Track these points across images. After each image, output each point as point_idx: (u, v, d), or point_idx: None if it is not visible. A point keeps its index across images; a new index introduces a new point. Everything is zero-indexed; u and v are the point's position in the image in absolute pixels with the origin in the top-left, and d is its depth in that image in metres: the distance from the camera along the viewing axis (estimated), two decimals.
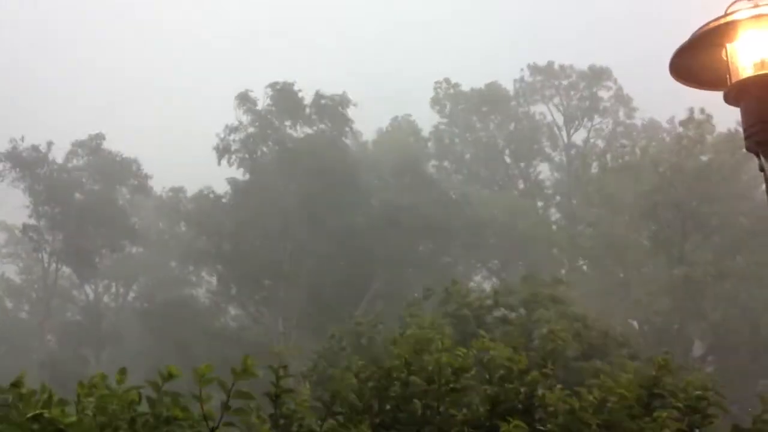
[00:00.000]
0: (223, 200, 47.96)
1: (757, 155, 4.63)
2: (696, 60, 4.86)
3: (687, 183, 40.70)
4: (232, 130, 47.70)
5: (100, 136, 54.04)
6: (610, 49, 74.14)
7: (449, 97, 63.48)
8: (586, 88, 65.35)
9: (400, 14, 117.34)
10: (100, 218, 50.33)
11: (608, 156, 48.15)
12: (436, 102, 63.54)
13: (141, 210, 62.97)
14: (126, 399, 3.35)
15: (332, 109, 48.04)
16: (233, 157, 47.63)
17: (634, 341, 22.86)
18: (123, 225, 52.36)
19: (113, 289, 63.52)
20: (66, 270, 55.94)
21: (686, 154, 41.66)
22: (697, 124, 41.02)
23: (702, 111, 40.68)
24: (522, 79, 64.10)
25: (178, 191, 56.93)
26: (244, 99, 48.55)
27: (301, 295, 42.88)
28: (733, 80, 4.68)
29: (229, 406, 3.47)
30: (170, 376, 3.40)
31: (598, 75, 64.90)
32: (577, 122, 66.22)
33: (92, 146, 53.99)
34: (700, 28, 4.70)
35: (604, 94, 66.03)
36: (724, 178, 40.45)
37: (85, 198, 52.23)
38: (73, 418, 3.10)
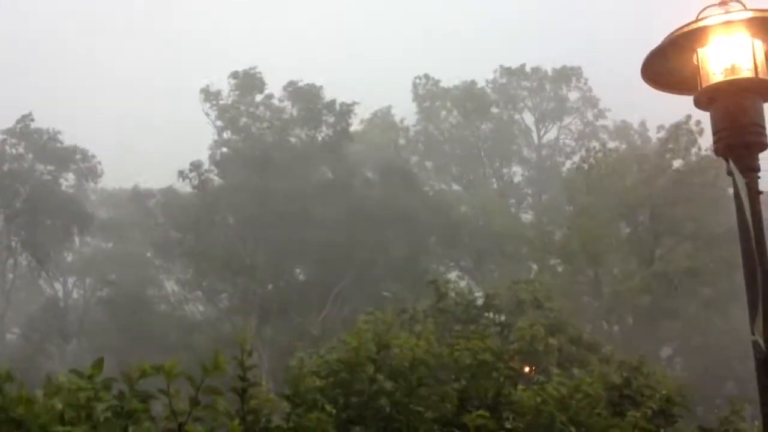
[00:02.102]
0: (193, 194, 47.25)
1: (726, 159, 4.69)
2: (667, 64, 4.90)
3: (664, 186, 41.05)
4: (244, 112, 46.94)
5: (27, 117, 52.23)
6: (585, 51, 74.65)
7: (428, 94, 63.51)
8: (553, 89, 65.99)
9: (379, 11, 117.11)
10: (49, 207, 48.59)
11: (581, 156, 48.44)
12: (415, 97, 63.55)
13: (110, 204, 62.33)
14: (99, 391, 3.31)
15: (306, 100, 47.22)
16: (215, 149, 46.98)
17: (602, 343, 22.92)
18: (75, 213, 50.35)
19: (82, 284, 62.84)
20: (35, 265, 54.81)
21: (670, 158, 41.99)
22: (688, 132, 41.22)
23: (698, 123, 40.75)
24: (494, 81, 64.52)
25: (149, 189, 56.13)
26: (209, 93, 47.72)
27: (271, 291, 42.60)
28: (704, 85, 4.72)
29: (198, 402, 3.45)
30: (144, 373, 3.37)
31: (566, 76, 65.49)
32: (548, 123, 66.90)
33: (23, 131, 51.98)
34: (672, 33, 4.74)
35: (572, 95, 66.78)
36: (703, 184, 40.78)
37: (32, 187, 50.32)
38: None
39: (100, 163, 53.98)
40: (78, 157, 52.91)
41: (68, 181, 53.16)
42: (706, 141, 41.13)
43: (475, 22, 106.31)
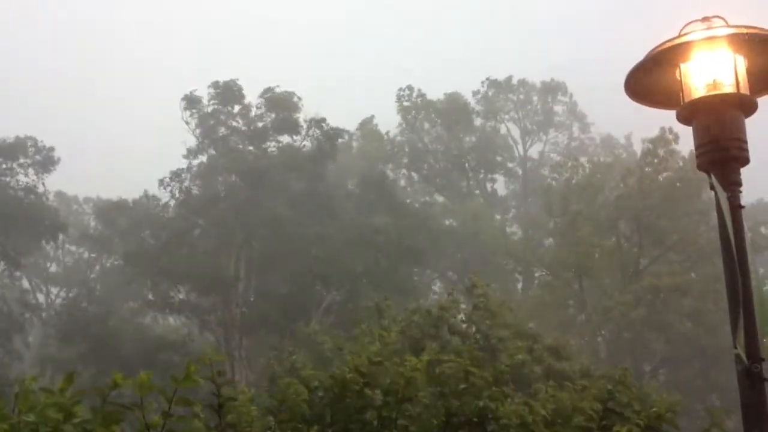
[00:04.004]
0: (172, 204, 46.77)
1: (708, 174, 4.72)
2: (650, 79, 4.93)
3: (648, 199, 41.29)
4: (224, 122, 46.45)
5: None
6: (571, 65, 75.26)
7: (413, 105, 63.48)
8: (540, 101, 66.38)
9: (364, 21, 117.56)
10: (19, 213, 47.45)
11: (567, 169, 48.69)
12: (399, 109, 63.50)
13: (94, 214, 61.99)
14: (68, 407, 3.26)
15: (284, 108, 46.83)
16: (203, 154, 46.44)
17: (587, 355, 22.99)
18: (42, 213, 48.53)
19: (66, 294, 62.45)
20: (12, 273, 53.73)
21: (652, 171, 42.24)
22: (665, 142, 41.52)
23: (670, 130, 41.09)
24: (480, 93, 64.69)
25: (131, 198, 55.65)
26: (191, 101, 47.32)
27: (253, 305, 42.26)
28: (686, 100, 4.77)
29: (171, 415, 3.41)
30: (115, 385, 3.33)
31: (552, 89, 65.91)
32: (533, 136, 67.21)
33: None
34: (655, 47, 4.78)
35: (558, 108, 67.20)
36: (687, 196, 41.07)
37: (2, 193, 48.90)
38: None
39: (54, 150, 51.68)
40: (31, 149, 50.79)
41: (27, 176, 50.88)
42: (685, 151, 41.71)
43: (460, 34, 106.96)
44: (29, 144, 50.34)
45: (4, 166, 49.45)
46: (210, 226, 43.45)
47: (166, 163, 48.49)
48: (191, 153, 46.47)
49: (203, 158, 46.92)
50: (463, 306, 21.35)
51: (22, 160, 50.02)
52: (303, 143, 46.96)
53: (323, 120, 46.61)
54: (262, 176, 43.22)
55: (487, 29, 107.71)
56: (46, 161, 50.84)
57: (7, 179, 49.50)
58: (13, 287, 53.26)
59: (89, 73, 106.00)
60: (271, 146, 46.79)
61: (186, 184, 45.91)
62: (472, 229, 52.40)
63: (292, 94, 46.94)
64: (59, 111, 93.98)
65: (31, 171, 50.38)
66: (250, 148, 46.16)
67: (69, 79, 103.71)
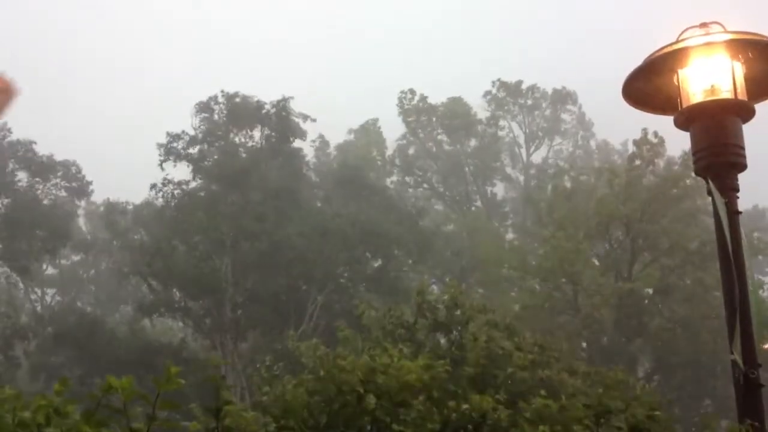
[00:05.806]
0: (163, 209, 46.54)
1: (705, 179, 4.72)
2: (648, 84, 4.93)
3: (639, 203, 41.25)
4: (178, 136, 46.38)
5: (4, 127, 51.05)
6: (570, 70, 75.27)
7: (414, 108, 63.22)
8: (549, 108, 66.32)
9: (372, 23, 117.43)
10: (32, 221, 47.45)
11: (564, 175, 48.69)
12: (400, 112, 63.16)
13: (89, 218, 61.85)
14: (65, 412, 3.24)
15: (279, 118, 46.79)
16: (176, 163, 46.36)
17: (577, 356, 22.79)
18: (59, 228, 48.33)
19: (62, 298, 62.21)
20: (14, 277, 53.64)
21: (638, 174, 42.19)
22: (651, 145, 41.49)
23: (655, 134, 41.02)
24: (490, 94, 64.40)
25: (119, 202, 55.45)
26: (202, 108, 47.30)
27: (245, 309, 42.07)
28: (684, 105, 4.76)
29: (155, 418, 3.38)
30: (110, 388, 3.31)
31: (563, 97, 65.90)
32: (537, 142, 67.14)
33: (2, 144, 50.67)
34: (653, 53, 4.77)
35: (566, 116, 67.21)
36: (676, 200, 41.07)
37: (13, 199, 49.05)
38: None
39: (87, 178, 52.53)
40: (60, 171, 51.54)
41: (55, 196, 51.78)
42: (672, 152, 41.70)
43: (465, 38, 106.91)
44: (70, 167, 51.33)
45: (38, 178, 50.21)
46: (199, 229, 43.29)
47: (157, 167, 48.37)
48: (186, 154, 46.42)
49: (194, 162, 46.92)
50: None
51: (61, 182, 51.12)
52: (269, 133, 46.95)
53: (261, 103, 46.52)
54: (238, 177, 43.24)
55: (494, 38, 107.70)
56: (82, 189, 52.00)
57: (30, 191, 50.00)
58: (17, 293, 53.25)
59: (84, 76, 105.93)
60: (245, 144, 46.97)
61: (177, 189, 45.86)
62: (469, 235, 52.39)
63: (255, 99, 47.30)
64: (54, 112, 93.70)
65: (63, 193, 51.63)
66: (226, 149, 46.21)
67: (66, 81, 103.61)
